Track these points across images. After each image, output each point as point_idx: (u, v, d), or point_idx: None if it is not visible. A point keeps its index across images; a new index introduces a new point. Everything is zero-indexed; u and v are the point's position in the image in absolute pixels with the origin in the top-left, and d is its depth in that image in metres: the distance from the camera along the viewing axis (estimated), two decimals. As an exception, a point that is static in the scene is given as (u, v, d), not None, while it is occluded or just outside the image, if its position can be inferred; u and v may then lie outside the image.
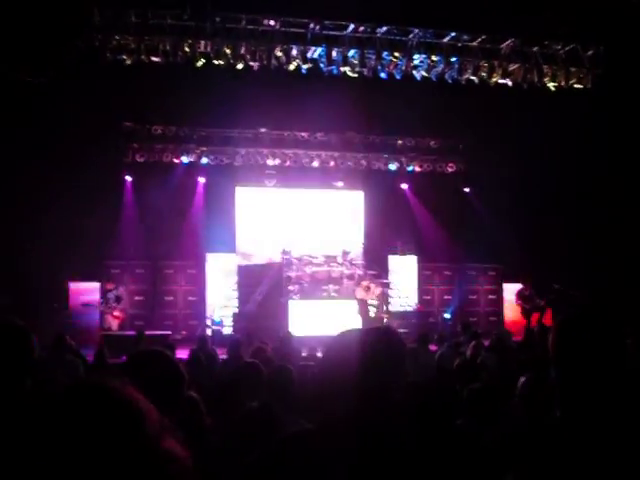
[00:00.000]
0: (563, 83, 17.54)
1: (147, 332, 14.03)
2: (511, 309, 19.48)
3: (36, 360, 2.35)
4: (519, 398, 4.11)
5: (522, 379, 4.19)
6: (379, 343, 1.95)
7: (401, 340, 2.08)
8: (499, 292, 21.40)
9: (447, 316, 19.85)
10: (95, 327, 17.85)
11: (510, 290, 19.35)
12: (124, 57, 15.06)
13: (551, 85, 17.55)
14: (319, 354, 8.81)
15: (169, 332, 17.13)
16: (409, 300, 20.31)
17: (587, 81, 17.59)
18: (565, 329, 1.97)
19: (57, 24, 13.25)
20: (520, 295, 17.45)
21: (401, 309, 19.66)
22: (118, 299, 17.15)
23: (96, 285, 18.80)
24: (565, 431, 1.88)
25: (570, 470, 1.79)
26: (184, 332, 18.99)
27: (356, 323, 16.27)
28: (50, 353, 8.37)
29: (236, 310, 19.12)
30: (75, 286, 18.64)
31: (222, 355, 9.54)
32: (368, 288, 17.57)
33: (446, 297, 21.43)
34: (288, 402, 4.45)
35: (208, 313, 19.41)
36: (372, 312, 17.30)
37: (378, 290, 17.62)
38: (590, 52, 17.48)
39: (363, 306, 17.38)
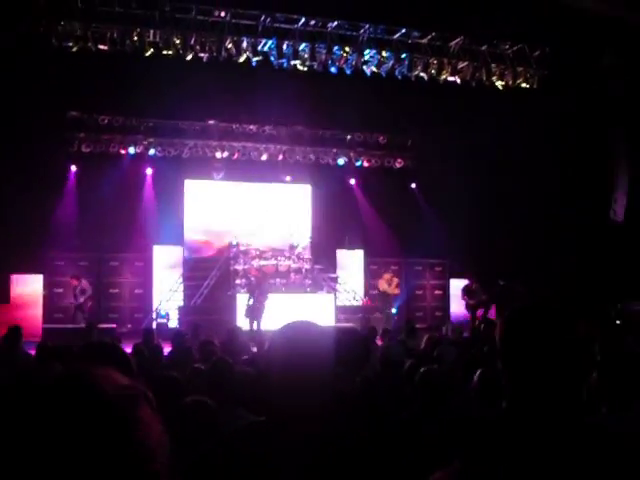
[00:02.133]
0: (510, 82, 17.82)
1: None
2: (457, 304, 19.69)
3: None
4: (474, 392, 4.15)
5: (477, 372, 4.22)
6: (347, 341, 1.95)
7: (367, 339, 2.09)
8: (445, 287, 21.63)
9: (393, 311, 19.97)
10: (37, 321, 17.52)
11: (456, 285, 19.57)
12: (70, 44, 14.77)
13: (499, 84, 17.82)
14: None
15: (114, 325, 16.92)
16: (355, 294, 20.39)
17: (533, 81, 17.90)
18: (511, 323, 1.99)
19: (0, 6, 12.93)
20: (466, 290, 17.65)
21: (348, 303, 19.72)
22: (83, 292, 16.88)
23: (39, 277, 18.43)
24: (509, 422, 1.89)
25: (512, 461, 1.80)
26: (129, 325, 18.79)
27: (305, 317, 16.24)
28: (3, 346, 8.11)
29: (182, 303, 18.96)
30: (17, 278, 18.23)
31: (167, 349, 9.44)
32: (391, 281, 17.72)
33: (393, 292, 21.56)
34: (229, 396, 4.41)
35: (154, 306, 19.19)
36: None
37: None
38: (537, 53, 17.79)
39: (384, 298, 17.51)
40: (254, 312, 15.68)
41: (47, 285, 18.66)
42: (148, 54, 15.32)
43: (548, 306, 1.99)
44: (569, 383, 1.89)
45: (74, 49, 14.81)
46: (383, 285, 17.92)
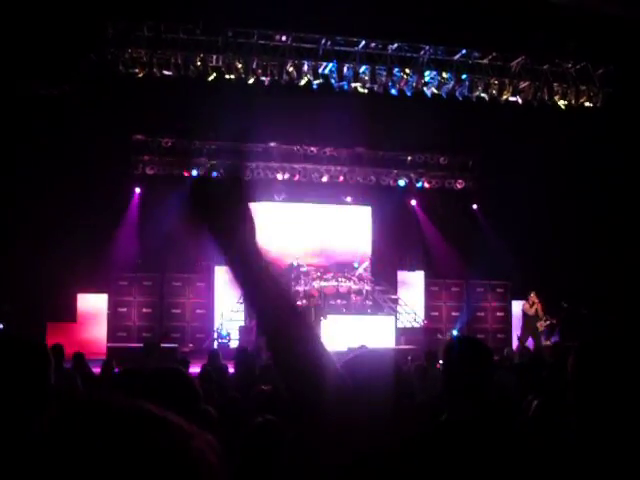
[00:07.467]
0: (573, 101, 17.57)
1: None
2: (519, 327, 19.37)
3: (52, 384, 2.20)
4: (531, 421, 4.06)
5: (535, 402, 4.14)
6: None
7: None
8: (507, 309, 21.31)
9: (455, 333, 19.76)
10: (102, 339, 17.91)
11: (518, 307, 19.28)
12: (136, 70, 15.15)
13: (561, 103, 17.58)
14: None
15: (175, 345, 17.10)
16: (416, 316, 20.26)
17: (597, 100, 17.62)
18: (584, 356, 1.95)
19: (71, 37, 13.35)
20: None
21: (408, 325, 19.61)
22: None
23: (104, 297, 18.84)
24: (581, 459, 1.86)
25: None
26: (191, 345, 18.96)
27: (365, 339, 16.17)
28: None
29: (243, 323, 19.08)
30: (83, 297, 18.67)
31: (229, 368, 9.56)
32: (533, 303, 17.55)
33: (454, 314, 21.34)
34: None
35: (215, 326, 19.38)
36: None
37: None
38: (600, 70, 17.51)
39: (530, 321, 17.54)
40: None
41: (111, 304, 19.05)
42: (211, 78, 15.59)
43: (621, 339, 1.95)
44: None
45: (140, 75, 15.17)
46: (527, 307, 17.69)
